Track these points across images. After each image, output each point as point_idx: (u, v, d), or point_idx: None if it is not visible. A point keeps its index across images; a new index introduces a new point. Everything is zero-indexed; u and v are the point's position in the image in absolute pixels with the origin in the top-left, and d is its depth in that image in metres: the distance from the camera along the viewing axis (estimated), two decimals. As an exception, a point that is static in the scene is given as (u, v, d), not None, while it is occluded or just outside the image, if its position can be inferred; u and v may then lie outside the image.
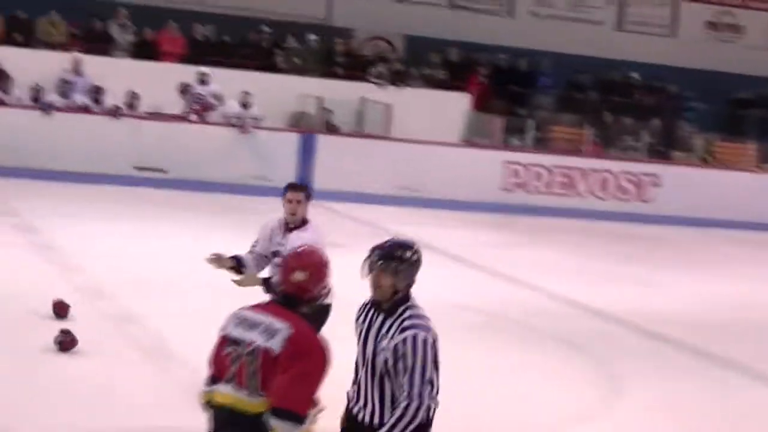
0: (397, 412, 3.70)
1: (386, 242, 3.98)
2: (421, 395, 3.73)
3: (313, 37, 17.13)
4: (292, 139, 15.42)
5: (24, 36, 15.57)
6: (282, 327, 3.61)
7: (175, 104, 15.13)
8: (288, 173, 15.10)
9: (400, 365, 3.73)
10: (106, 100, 14.83)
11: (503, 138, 17.51)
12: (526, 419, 6.41)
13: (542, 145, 17.66)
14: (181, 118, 15.05)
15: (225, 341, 3.68)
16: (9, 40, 15.24)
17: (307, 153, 15.38)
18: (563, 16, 19.74)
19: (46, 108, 14.33)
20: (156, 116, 14.95)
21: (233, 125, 14.98)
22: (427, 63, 17.93)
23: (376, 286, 3.85)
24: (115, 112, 14.67)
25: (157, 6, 16.56)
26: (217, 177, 14.39)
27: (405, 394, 3.71)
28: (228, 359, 3.64)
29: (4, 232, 10.43)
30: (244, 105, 15.15)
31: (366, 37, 17.97)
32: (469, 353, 7.44)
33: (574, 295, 10.06)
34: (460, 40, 18.33)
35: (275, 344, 3.57)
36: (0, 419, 5.39)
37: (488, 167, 16.14)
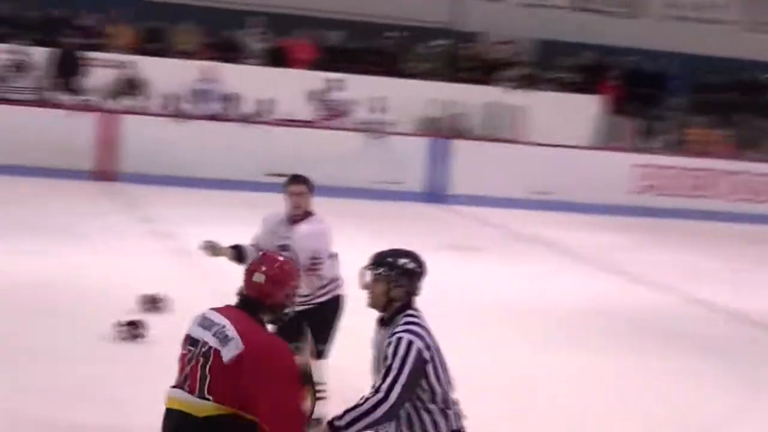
0: (360, 401, 3.60)
1: (385, 250, 3.88)
2: (388, 390, 3.61)
3: (439, 41, 17.21)
4: (423, 143, 15.49)
5: (159, 45, 16.06)
6: (233, 338, 3.47)
7: (307, 111, 15.38)
8: (419, 178, 15.23)
9: (384, 366, 3.65)
10: (239, 107, 15.20)
11: (636, 141, 17.33)
12: (673, 422, 6.27)
13: (676, 147, 17.37)
14: (313, 124, 15.28)
15: (186, 340, 3.59)
16: (144, 50, 15.75)
17: (438, 157, 15.44)
18: (691, 17, 19.41)
19: (181, 116, 14.73)
20: (288, 122, 15.20)
21: (365, 131, 15.17)
22: (557, 66, 17.79)
23: (367, 292, 3.78)
24: (247, 119, 14.99)
25: (287, 14, 16.84)
26: (348, 182, 14.55)
27: (375, 387, 3.62)
28: (184, 359, 3.55)
29: (140, 237, 10.67)
30: (376, 110, 15.31)
31: (493, 40, 17.94)
32: (610, 357, 7.35)
33: (715, 298, 9.80)
34: (590, 43, 18.17)
35: (226, 353, 3.46)
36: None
37: (620, 170, 15.95)
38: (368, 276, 3.78)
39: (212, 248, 5.65)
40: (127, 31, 15.89)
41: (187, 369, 3.51)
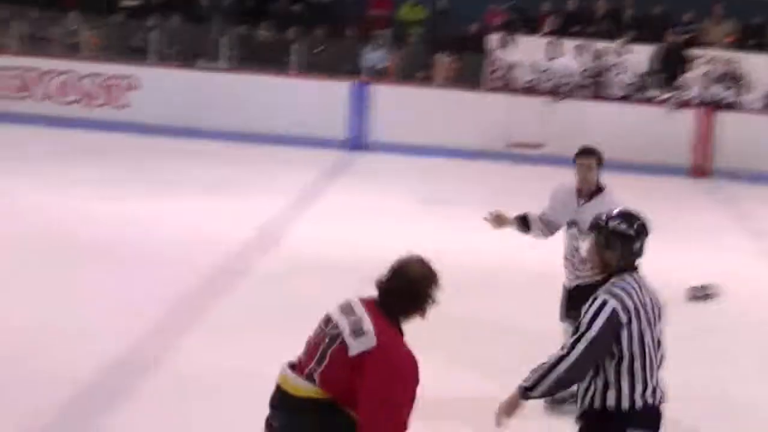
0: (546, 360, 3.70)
1: (606, 212, 3.89)
2: (572, 346, 3.62)
3: None
4: None
5: (759, 40, 16.24)
6: (368, 332, 3.44)
7: None
8: None
9: None
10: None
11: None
12: None
13: None
14: None
15: (323, 319, 3.59)
16: (745, 46, 15.96)
17: None
18: None
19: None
20: None
21: None
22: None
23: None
24: None
25: None
26: None
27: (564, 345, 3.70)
28: (314, 335, 3.56)
29: (735, 236, 10.98)
30: None
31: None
32: None
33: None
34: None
35: (355, 346, 3.43)
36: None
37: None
38: (588, 240, 3.88)
39: (497, 219, 5.83)
40: (727, 27, 16.32)
41: (311, 344, 3.57)
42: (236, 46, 15.98)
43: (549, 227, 5.85)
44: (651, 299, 3.79)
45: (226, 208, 10.59)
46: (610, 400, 3.73)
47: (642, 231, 3.82)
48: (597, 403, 3.75)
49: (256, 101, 14.93)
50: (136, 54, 15.90)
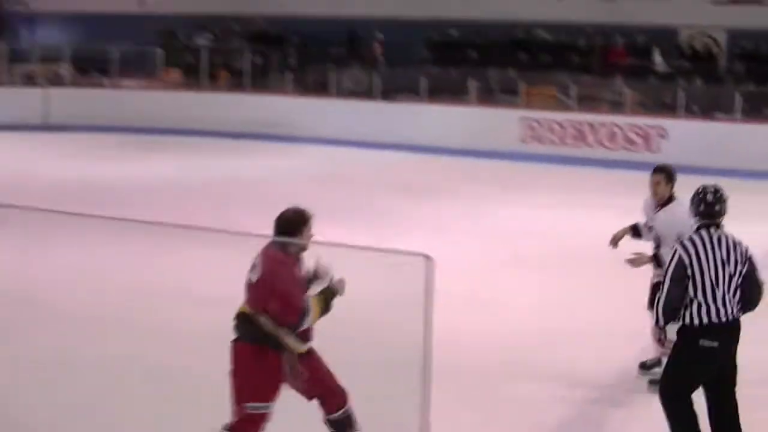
0: None
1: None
2: (662, 285, 5.78)
3: None
4: None
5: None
6: (256, 265, 5.38)
7: None
8: None
9: None
10: None
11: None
12: None
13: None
14: None
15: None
16: None
17: None
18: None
19: None
20: None
21: None
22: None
23: None
24: None
25: None
26: None
27: None
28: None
29: None
30: None
31: None
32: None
33: None
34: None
35: (251, 276, 5.35)
36: None
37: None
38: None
39: (637, 260, 7.29)
40: None
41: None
42: (747, 99, 19.80)
43: (651, 231, 7.42)
44: (726, 246, 5.71)
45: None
46: (687, 318, 5.69)
47: (716, 198, 5.77)
48: (681, 321, 5.74)
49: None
50: (666, 109, 20.40)
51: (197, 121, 22.55)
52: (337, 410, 5.60)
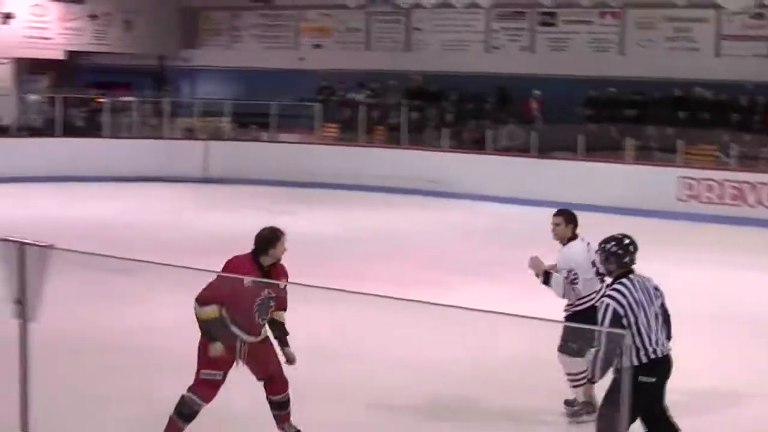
0: None
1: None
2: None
3: None
4: None
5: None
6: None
7: None
8: None
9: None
10: None
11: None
12: None
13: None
14: None
15: None
16: None
17: None
18: None
19: None
20: None
21: None
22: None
23: None
24: None
25: None
26: None
27: None
28: None
29: None
30: None
31: None
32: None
33: None
34: None
35: None
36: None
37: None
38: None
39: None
40: None
41: None
42: None
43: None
44: (645, 288, 6.85)
45: None
46: (629, 360, 6.31)
47: (635, 249, 6.98)
48: (619, 364, 6.28)
49: None
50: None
51: (353, 176, 25.17)
52: (277, 394, 7.71)
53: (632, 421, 6.56)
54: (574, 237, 8.60)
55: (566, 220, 8.66)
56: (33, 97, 29.73)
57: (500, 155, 25.00)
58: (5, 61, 28.98)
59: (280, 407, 7.80)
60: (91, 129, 27.64)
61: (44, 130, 27.27)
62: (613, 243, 7.02)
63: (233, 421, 8.25)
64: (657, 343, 6.81)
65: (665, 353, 6.87)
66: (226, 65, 31.32)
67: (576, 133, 24.01)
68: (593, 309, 7.65)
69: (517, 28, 28.31)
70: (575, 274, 8.35)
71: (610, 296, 6.84)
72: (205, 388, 7.48)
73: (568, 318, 8.44)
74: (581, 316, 8.27)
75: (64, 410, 8.22)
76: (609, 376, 6.66)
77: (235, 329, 7.49)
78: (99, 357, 8.90)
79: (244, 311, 7.45)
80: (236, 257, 7.53)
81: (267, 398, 7.81)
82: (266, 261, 7.52)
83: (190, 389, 7.51)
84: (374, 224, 20.59)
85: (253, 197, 23.62)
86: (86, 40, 30.61)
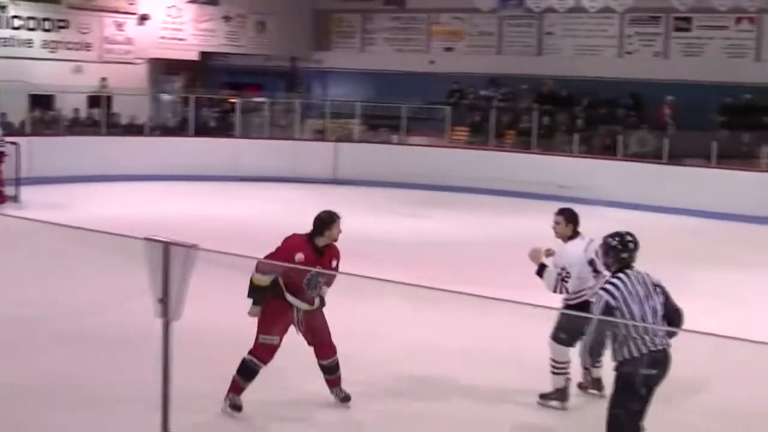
0: None
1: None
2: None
3: None
4: None
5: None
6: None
7: None
8: None
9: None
10: None
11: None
12: None
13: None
14: None
15: None
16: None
17: None
18: None
19: None
20: None
21: None
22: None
23: None
24: None
25: None
26: None
27: None
28: None
29: None
30: None
31: None
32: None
33: None
34: None
35: None
36: None
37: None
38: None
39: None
40: None
41: None
42: None
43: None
44: (643, 282, 7.31)
45: None
46: (625, 354, 7.15)
47: (635, 246, 7.50)
48: (619, 356, 7.17)
49: None
50: None
51: (482, 180, 26.17)
52: (326, 359, 8.94)
53: (641, 414, 7.25)
54: (574, 236, 9.28)
55: (566, 219, 9.33)
56: (167, 97, 31.66)
57: (631, 161, 25.74)
58: (140, 61, 30.90)
59: (330, 371, 9.03)
60: (222, 129, 29.32)
61: (177, 129, 29.17)
62: (614, 238, 7.58)
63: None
64: (654, 336, 7.24)
65: (662, 349, 7.26)
66: (357, 67, 32.78)
67: (708, 140, 24.55)
68: (587, 304, 8.60)
69: (651, 33, 29.31)
70: (567, 272, 9.01)
71: (604, 288, 7.42)
72: (263, 351, 8.75)
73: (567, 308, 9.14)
74: (575, 310, 8.96)
75: (203, 409, 8.91)
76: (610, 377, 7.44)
77: (290, 298, 8.74)
78: (238, 358, 9.09)
79: (296, 284, 8.68)
80: (295, 235, 8.75)
81: (318, 363, 9.04)
82: (321, 241, 8.71)
83: (250, 352, 8.78)
84: (505, 229, 20.95)
85: (382, 200, 24.48)
86: (220, 42, 32.49)
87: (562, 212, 9.38)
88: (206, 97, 30.39)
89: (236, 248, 6.62)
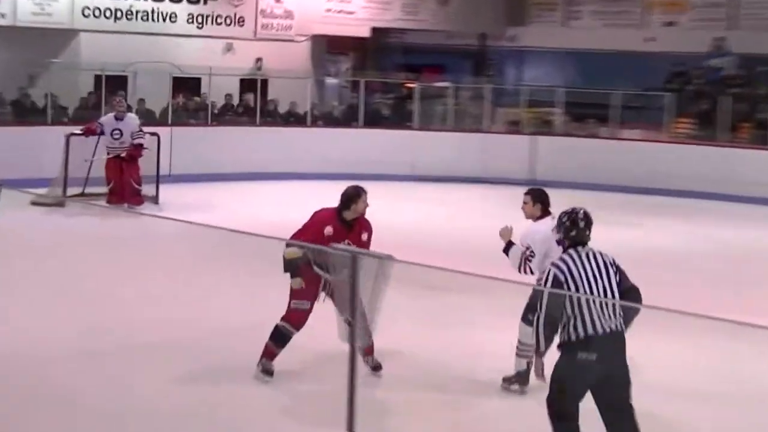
0: None
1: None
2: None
3: None
4: None
5: None
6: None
7: None
8: None
9: None
10: None
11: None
12: None
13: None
14: None
15: None
16: None
17: None
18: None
19: None
20: None
21: None
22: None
23: None
24: None
25: None
26: None
27: None
28: None
29: None
30: None
31: None
32: None
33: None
34: None
35: None
36: None
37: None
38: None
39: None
40: None
41: None
42: None
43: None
44: (596, 260, 8.12)
45: None
46: (566, 335, 7.92)
47: (587, 224, 8.29)
48: (561, 338, 7.96)
49: None
50: None
51: (710, 182, 25.45)
52: None
53: (574, 401, 8.00)
54: (544, 215, 10.43)
55: (534, 198, 10.59)
56: (332, 81, 31.50)
57: None
58: (302, 38, 30.77)
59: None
60: (397, 119, 29.07)
61: (343, 119, 28.95)
62: (565, 214, 8.42)
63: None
64: (602, 317, 7.90)
65: (611, 331, 7.91)
66: (559, 46, 32.06)
67: None
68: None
69: None
70: (531, 251, 10.14)
71: (553, 264, 8.23)
72: (295, 316, 10.50)
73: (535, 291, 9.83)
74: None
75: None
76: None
77: (317, 269, 10.37)
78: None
79: (325, 256, 10.04)
80: (323, 209, 10.58)
81: None
82: (348, 215, 10.49)
83: (282, 319, 10.52)
84: (744, 242, 20.68)
85: (588, 204, 23.88)
86: (395, 15, 32.15)
87: (529, 192, 10.70)
88: (378, 81, 30.39)
89: (420, 260, 6.79)
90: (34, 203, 19.25)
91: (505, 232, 10.46)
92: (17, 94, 25.07)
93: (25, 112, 24.68)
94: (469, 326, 12.91)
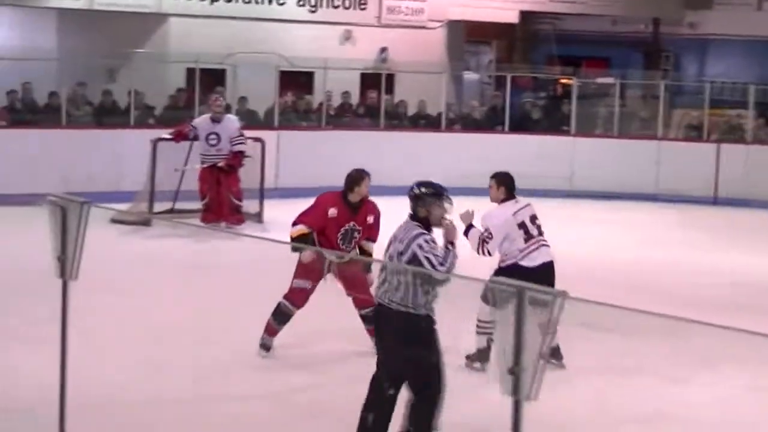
0: None
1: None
2: None
3: None
4: None
5: None
6: None
7: None
8: None
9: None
10: None
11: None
12: None
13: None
14: None
15: None
16: None
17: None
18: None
19: None
20: None
21: None
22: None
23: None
24: None
25: None
26: None
27: None
28: None
29: None
30: None
31: None
32: None
33: None
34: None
35: None
36: None
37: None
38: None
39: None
40: None
41: None
42: None
43: None
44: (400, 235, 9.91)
45: None
46: None
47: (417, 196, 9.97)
48: None
49: None
50: None
51: None
52: (362, 308, 12.35)
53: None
54: (508, 199, 12.39)
55: (498, 182, 12.44)
56: (472, 77, 31.36)
57: None
58: (436, 24, 30.74)
59: (368, 321, 11.99)
60: (551, 123, 28.74)
61: (485, 123, 28.66)
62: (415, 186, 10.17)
63: None
64: (380, 290, 9.78)
65: (381, 303, 9.71)
66: (752, 34, 31.76)
67: None
68: (516, 266, 11.99)
69: None
70: (489, 234, 12.12)
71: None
72: (296, 295, 12.52)
73: (495, 273, 11.65)
74: (505, 272, 11.74)
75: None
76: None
77: (320, 249, 12.25)
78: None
79: (329, 237, 12.35)
80: (328, 192, 12.60)
81: (358, 314, 12.60)
82: (353, 198, 12.37)
83: (284, 297, 12.54)
84: None
85: None
86: (548, -3, 32.06)
87: (494, 176, 12.51)
88: (528, 76, 30.46)
89: (599, 297, 6.67)
90: (114, 221, 19.34)
91: (466, 216, 12.05)
92: (100, 95, 24.92)
93: (105, 113, 24.54)
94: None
